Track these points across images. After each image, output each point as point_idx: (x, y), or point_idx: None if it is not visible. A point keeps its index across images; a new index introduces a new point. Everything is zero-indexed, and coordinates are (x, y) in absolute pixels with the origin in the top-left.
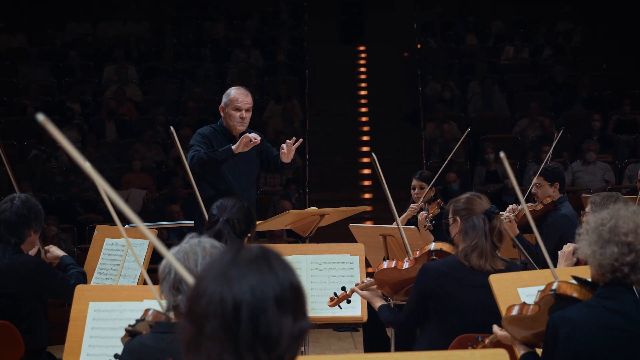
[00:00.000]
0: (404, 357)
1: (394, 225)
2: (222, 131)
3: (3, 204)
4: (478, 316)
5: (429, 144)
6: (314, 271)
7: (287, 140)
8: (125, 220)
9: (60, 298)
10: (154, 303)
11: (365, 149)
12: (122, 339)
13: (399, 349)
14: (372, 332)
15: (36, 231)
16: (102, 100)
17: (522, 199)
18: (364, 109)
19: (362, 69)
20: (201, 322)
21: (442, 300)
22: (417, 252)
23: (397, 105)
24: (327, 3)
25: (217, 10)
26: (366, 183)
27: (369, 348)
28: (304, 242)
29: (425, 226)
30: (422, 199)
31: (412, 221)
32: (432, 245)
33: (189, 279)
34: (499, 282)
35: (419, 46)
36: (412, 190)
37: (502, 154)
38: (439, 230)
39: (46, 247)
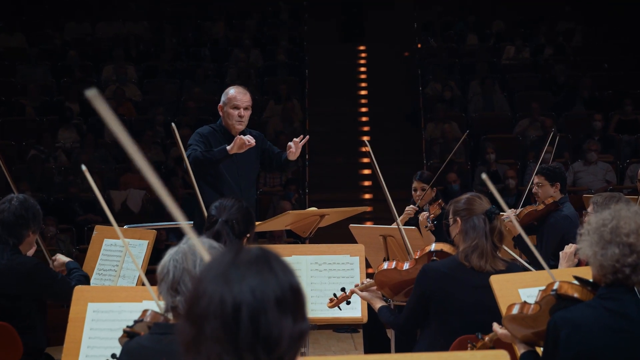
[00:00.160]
0: (404, 359)
1: (394, 225)
2: (221, 131)
3: (1, 204)
4: (478, 317)
5: (429, 144)
6: (314, 272)
7: (295, 139)
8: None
9: (60, 299)
10: (153, 304)
11: (365, 149)
12: (120, 339)
13: (399, 350)
14: (372, 333)
15: (34, 232)
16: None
17: (507, 211)
18: (364, 109)
19: (362, 69)
20: (201, 322)
21: (442, 301)
22: (418, 253)
23: (398, 105)
24: (327, 3)
25: (216, 9)
26: (366, 183)
27: (369, 349)
28: (303, 242)
29: (426, 227)
30: (420, 200)
31: (412, 222)
32: (433, 246)
33: (206, 256)
34: (499, 283)
35: (419, 46)
36: (413, 192)
37: (484, 176)
38: (441, 231)
39: (53, 257)
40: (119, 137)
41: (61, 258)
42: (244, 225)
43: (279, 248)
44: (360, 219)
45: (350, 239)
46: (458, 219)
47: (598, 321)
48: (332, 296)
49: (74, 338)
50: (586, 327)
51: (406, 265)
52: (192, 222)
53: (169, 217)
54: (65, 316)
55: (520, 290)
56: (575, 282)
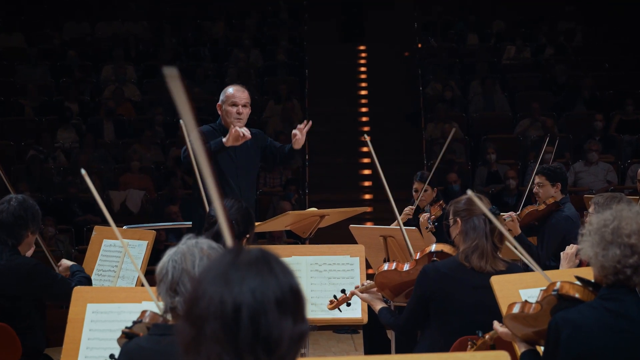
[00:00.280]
0: None
1: (394, 225)
2: (220, 130)
3: (0, 204)
4: (479, 317)
5: (429, 144)
6: (314, 272)
7: (299, 125)
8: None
9: (59, 300)
10: (153, 305)
11: (365, 149)
12: (119, 340)
13: (399, 351)
14: (372, 334)
15: (33, 232)
16: (101, 100)
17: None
18: (364, 109)
19: (363, 69)
20: (201, 323)
21: (442, 301)
22: (418, 254)
23: (398, 105)
24: (327, 2)
25: (216, 9)
26: (366, 184)
27: (369, 350)
28: (303, 243)
29: (427, 228)
30: (417, 200)
31: (413, 222)
32: (433, 247)
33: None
34: (500, 284)
35: (419, 46)
36: (413, 193)
37: (469, 192)
38: (441, 232)
39: (58, 263)
40: (187, 126)
41: (65, 263)
42: (243, 226)
43: (278, 249)
44: (360, 219)
45: (350, 239)
46: (458, 219)
47: (599, 322)
48: (332, 298)
49: (73, 339)
50: (587, 328)
51: (406, 267)
52: (191, 223)
53: (168, 218)
54: (64, 317)
55: (521, 291)
56: (577, 282)
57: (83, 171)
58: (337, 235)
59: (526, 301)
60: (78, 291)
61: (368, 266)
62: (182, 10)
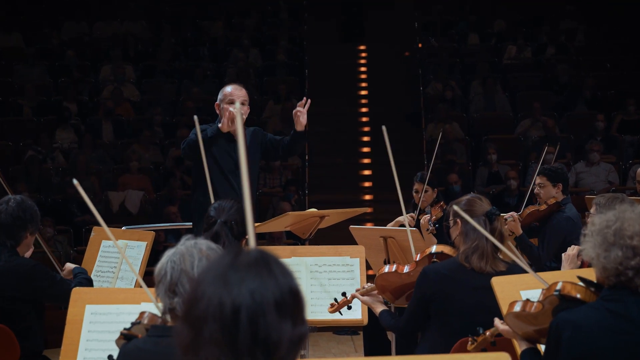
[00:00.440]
0: None
1: (391, 225)
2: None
3: None
4: (479, 318)
5: (430, 145)
6: (314, 273)
7: (298, 103)
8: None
9: (58, 301)
10: (151, 306)
11: (365, 149)
12: (117, 341)
13: (399, 352)
14: (372, 335)
15: (32, 233)
16: (99, 100)
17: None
18: (364, 109)
19: (363, 69)
20: (199, 325)
21: (442, 302)
22: (418, 256)
23: (398, 105)
24: (327, 2)
25: (215, 9)
26: (367, 184)
27: (369, 351)
28: (303, 244)
29: (428, 229)
30: (419, 203)
31: (414, 224)
32: (433, 248)
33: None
34: (501, 285)
35: (420, 45)
36: (414, 194)
37: (455, 207)
38: (442, 233)
39: (63, 268)
40: (241, 155)
41: (69, 266)
42: (242, 227)
43: (278, 249)
44: (360, 220)
45: (350, 240)
46: (458, 220)
47: (601, 323)
48: (332, 301)
49: (71, 340)
50: (588, 329)
51: (406, 269)
52: (190, 224)
53: (167, 219)
54: (63, 318)
55: (522, 292)
56: (579, 283)
57: (75, 181)
58: (337, 236)
59: (528, 300)
60: (77, 292)
61: (368, 267)
62: (181, 10)
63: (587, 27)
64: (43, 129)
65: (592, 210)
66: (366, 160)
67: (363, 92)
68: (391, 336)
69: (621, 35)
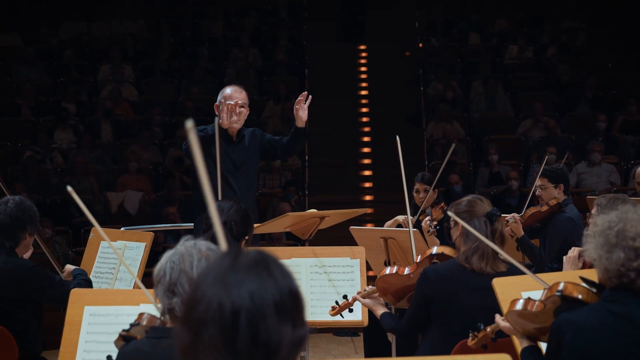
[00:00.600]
0: None
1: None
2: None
3: None
4: (479, 319)
5: (430, 145)
6: (314, 275)
7: (298, 98)
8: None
9: (57, 302)
10: (151, 307)
11: (366, 150)
12: (116, 342)
13: (400, 354)
14: (373, 336)
15: (31, 234)
16: (98, 100)
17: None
18: (364, 110)
19: (363, 69)
20: (199, 328)
21: (443, 303)
22: (419, 257)
23: (399, 105)
24: (327, 1)
25: (214, 8)
26: (367, 185)
27: (369, 353)
28: (303, 245)
29: (429, 231)
30: (421, 205)
31: (414, 224)
32: (434, 249)
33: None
34: (502, 286)
35: (420, 45)
36: (415, 194)
37: (450, 212)
38: (444, 234)
39: (63, 270)
40: (200, 173)
41: (69, 268)
42: (242, 227)
43: (278, 250)
44: (360, 220)
45: (350, 241)
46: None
47: (603, 325)
48: (333, 303)
49: (70, 342)
50: (590, 331)
51: (407, 270)
52: (189, 224)
53: (167, 220)
54: (61, 319)
55: (523, 294)
56: (581, 283)
57: (69, 188)
58: (338, 236)
59: (529, 298)
60: (75, 293)
61: (369, 268)
62: (181, 10)
63: (589, 26)
64: (41, 129)
65: (593, 211)
66: (366, 161)
67: (363, 92)
68: (391, 337)
69: (623, 35)
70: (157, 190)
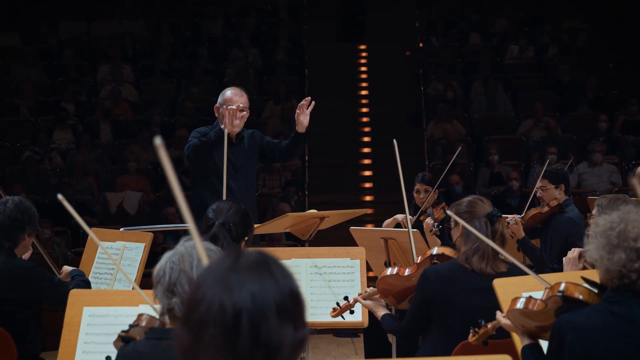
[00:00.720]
0: None
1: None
2: None
3: None
4: (480, 319)
5: (431, 145)
6: (314, 275)
7: (301, 103)
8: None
9: (56, 303)
10: (150, 308)
11: (366, 150)
12: (115, 343)
13: (400, 355)
14: (373, 337)
15: (30, 234)
16: (97, 100)
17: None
18: (364, 110)
19: (363, 69)
20: (199, 329)
21: (443, 304)
22: (419, 258)
23: (399, 105)
24: (327, 1)
25: (214, 8)
26: (367, 185)
27: (369, 354)
28: (303, 245)
29: (431, 231)
30: (421, 206)
31: (415, 225)
32: (434, 250)
33: (205, 259)
34: (503, 287)
35: (421, 45)
36: (415, 194)
37: (451, 212)
38: (445, 235)
39: (60, 271)
40: (173, 186)
41: (66, 269)
42: (241, 228)
43: (278, 251)
44: (360, 221)
45: (350, 241)
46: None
47: (604, 326)
48: (333, 304)
49: (69, 343)
50: (592, 331)
51: (407, 271)
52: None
53: (166, 220)
54: (60, 320)
55: (524, 294)
56: (583, 284)
57: (60, 196)
58: (337, 237)
59: (530, 297)
60: (74, 294)
61: (369, 269)
62: (180, 9)
63: (590, 26)
64: (40, 129)
65: (594, 212)
66: (366, 161)
67: (363, 92)
68: (392, 338)
69: (623, 34)
70: (156, 191)
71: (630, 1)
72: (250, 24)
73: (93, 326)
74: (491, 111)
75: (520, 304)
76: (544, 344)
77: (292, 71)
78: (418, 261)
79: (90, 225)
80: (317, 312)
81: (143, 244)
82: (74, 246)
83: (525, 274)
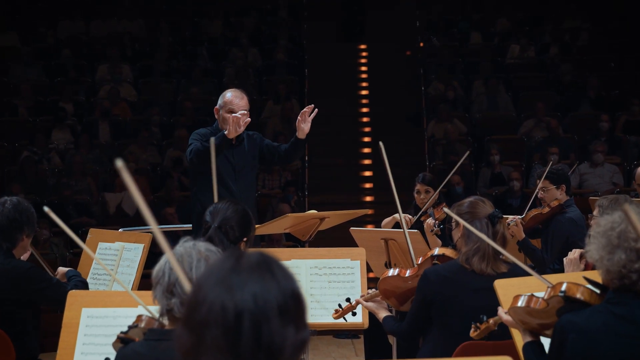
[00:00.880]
0: None
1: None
2: (218, 133)
3: None
4: (482, 315)
5: (432, 145)
6: (314, 276)
7: (304, 110)
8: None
9: (55, 304)
10: (150, 309)
11: (366, 150)
12: (114, 344)
13: (400, 356)
14: (373, 339)
15: (28, 235)
16: (96, 100)
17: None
18: (364, 110)
19: (363, 68)
20: (201, 331)
21: (443, 304)
22: (420, 259)
23: (399, 105)
24: (327, 1)
25: (213, 7)
26: (367, 185)
27: (370, 355)
28: (303, 246)
29: (432, 231)
30: (423, 207)
31: (415, 226)
32: (435, 251)
33: (186, 284)
34: (504, 288)
35: (421, 45)
36: (415, 195)
37: (453, 211)
38: (446, 236)
39: (55, 273)
40: (141, 209)
41: (62, 270)
42: (239, 230)
43: (277, 252)
44: (361, 221)
45: (350, 242)
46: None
47: (606, 327)
48: (335, 306)
49: (67, 344)
50: (593, 332)
51: (408, 273)
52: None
53: (165, 220)
54: (59, 321)
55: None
56: (585, 284)
57: (46, 208)
58: (338, 238)
59: (532, 295)
60: (73, 295)
61: (369, 270)
62: (179, 9)
63: (591, 26)
64: (39, 130)
65: (595, 213)
66: (367, 161)
67: (363, 92)
68: (392, 340)
69: (625, 34)
70: (155, 191)
71: (631, 1)
72: (250, 23)
73: (92, 327)
74: (492, 111)
75: (522, 302)
76: (546, 341)
77: (292, 71)
78: (419, 262)
79: (89, 226)
80: (317, 313)
81: (142, 245)
82: (73, 247)
83: (527, 274)
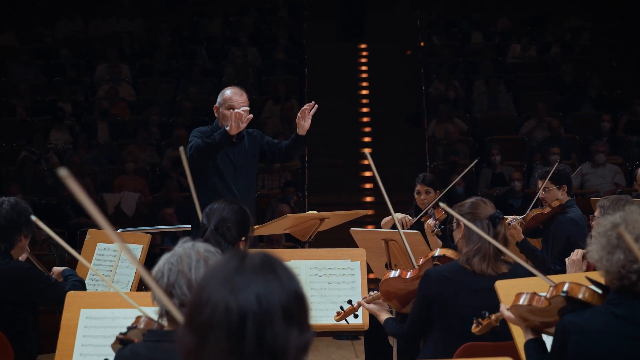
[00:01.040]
0: None
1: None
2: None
3: None
4: (483, 311)
5: (432, 145)
6: (314, 277)
7: (304, 107)
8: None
9: (53, 304)
10: (149, 310)
11: (366, 150)
12: (113, 346)
13: (401, 357)
14: (373, 340)
15: (26, 236)
16: (94, 100)
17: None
18: (365, 110)
19: (363, 68)
20: (204, 332)
21: (444, 305)
22: (421, 260)
23: (400, 105)
24: (327, 0)
25: (213, 6)
26: (367, 186)
27: (370, 357)
28: (303, 247)
29: (432, 231)
30: (424, 209)
31: (416, 226)
32: (436, 252)
33: (178, 316)
34: (505, 289)
35: (422, 44)
36: (416, 195)
37: (455, 211)
38: (447, 236)
39: (50, 272)
40: (91, 212)
41: (57, 270)
42: (237, 230)
43: (277, 252)
44: (361, 222)
45: (351, 243)
46: (461, 223)
47: (607, 328)
48: (336, 307)
49: (66, 345)
50: (595, 333)
51: (409, 274)
52: (187, 226)
53: (164, 221)
54: (57, 322)
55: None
56: (588, 285)
57: (34, 217)
58: (338, 238)
59: (535, 293)
60: (71, 296)
61: (369, 270)
62: (178, 8)
63: (593, 25)
64: (37, 130)
65: (596, 213)
66: (367, 162)
67: (364, 92)
68: (392, 341)
69: (626, 34)
70: (154, 192)
71: (633, 0)
72: (250, 23)
73: (90, 328)
74: (493, 111)
75: (524, 300)
76: (547, 339)
77: (291, 71)
78: (420, 263)
79: (87, 227)
80: (318, 314)
81: (141, 246)
82: (71, 247)
83: (527, 274)
